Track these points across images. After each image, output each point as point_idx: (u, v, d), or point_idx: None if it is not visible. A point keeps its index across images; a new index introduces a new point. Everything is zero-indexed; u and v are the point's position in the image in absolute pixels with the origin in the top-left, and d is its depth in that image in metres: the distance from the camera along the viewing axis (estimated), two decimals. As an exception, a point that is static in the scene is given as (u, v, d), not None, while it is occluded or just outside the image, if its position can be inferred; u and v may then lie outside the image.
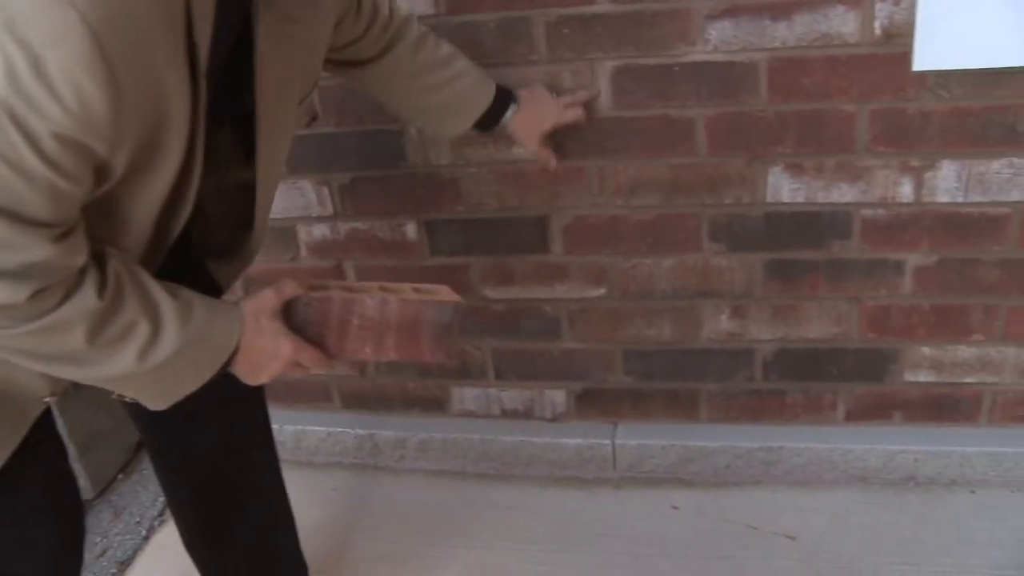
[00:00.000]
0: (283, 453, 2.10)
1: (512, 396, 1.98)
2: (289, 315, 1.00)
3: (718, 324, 1.78)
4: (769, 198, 1.64)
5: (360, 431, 2.05)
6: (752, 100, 1.56)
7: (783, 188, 1.62)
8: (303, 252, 1.92)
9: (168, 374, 0.91)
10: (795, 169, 1.60)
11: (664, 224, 1.71)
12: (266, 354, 0.97)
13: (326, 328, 1.01)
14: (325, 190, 1.83)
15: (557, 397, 1.95)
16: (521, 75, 1.62)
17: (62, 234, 0.78)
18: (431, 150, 1.74)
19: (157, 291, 0.88)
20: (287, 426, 2.09)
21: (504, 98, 1.48)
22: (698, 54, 1.54)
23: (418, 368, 1.99)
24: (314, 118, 1.75)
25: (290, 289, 1.00)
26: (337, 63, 1.32)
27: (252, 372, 0.99)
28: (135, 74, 0.73)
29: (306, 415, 2.11)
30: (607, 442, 1.90)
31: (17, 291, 0.77)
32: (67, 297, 0.81)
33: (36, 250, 0.76)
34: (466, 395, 2.00)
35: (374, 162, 1.78)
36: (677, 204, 1.68)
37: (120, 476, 2.15)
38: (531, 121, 1.52)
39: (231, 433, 1.36)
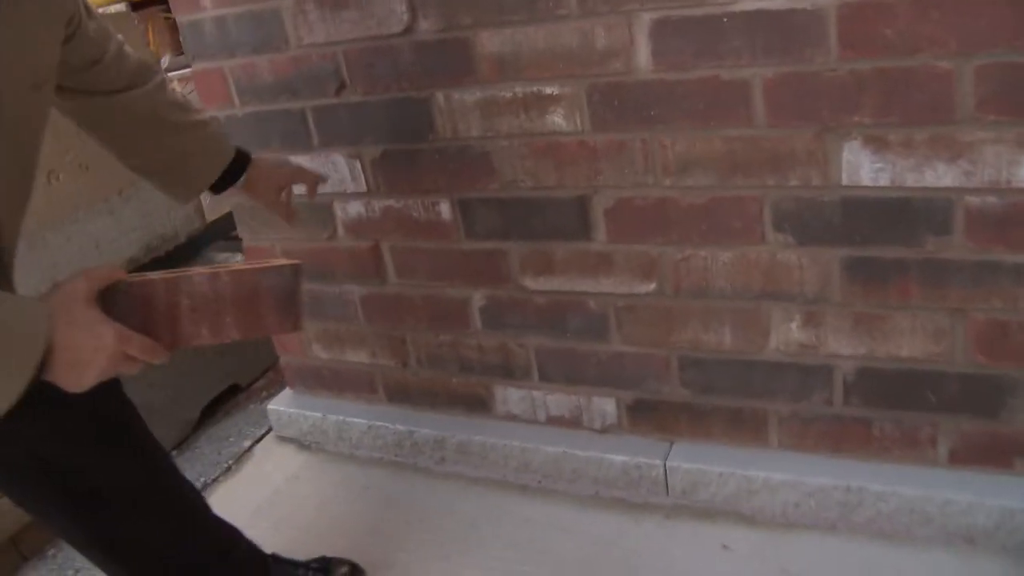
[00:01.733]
0: (327, 443, 2.01)
1: (558, 401, 1.76)
2: (108, 305, 0.85)
3: (788, 333, 1.48)
4: (845, 180, 1.32)
5: (400, 427, 1.90)
6: (820, 57, 1.26)
7: (862, 168, 1.30)
8: (340, 231, 1.80)
9: None
10: (877, 144, 1.28)
11: (720, 209, 1.43)
12: (87, 348, 0.83)
13: (153, 313, 0.86)
14: (357, 164, 1.70)
15: (607, 406, 1.71)
16: (551, 32, 1.41)
17: None
18: (460, 119, 1.56)
19: None
20: (330, 416, 1.98)
21: (241, 152, 1.40)
22: (751, 2, 1.27)
23: (460, 363, 1.82)
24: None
25: (101, 274, 0.86)
26: (83, 91, 1.20)
27: (76, 373, 0.83)
28: None
29: (350, 405, 1.99)
30: (658, 462, 1.64)
31: None
32: None
33: None
34: (510, 396, 1.80)
35: (404, 134, 1.63)
36: (734, 185, 1.40)
37: (174, 452, 2.13)
38: (270, 172, 1.44)
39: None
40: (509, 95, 1.50)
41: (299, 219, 1.54)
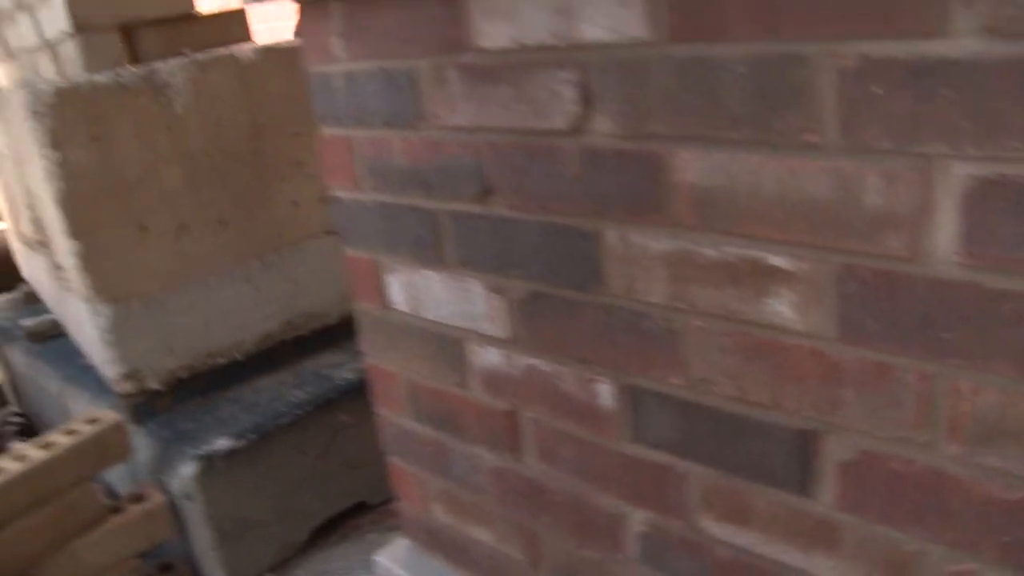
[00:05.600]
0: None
1: None
2: None
3: None
4: None
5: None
6: None
7: None
8: (472, 380, 1.32)
9: None
10: None
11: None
12: None
13: None
14: (500, 302, 1.22)
15: None
16: (788, 169, 0.84)
17: None
18: (639, 273, 1.03)
19: None
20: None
21: None
22: None
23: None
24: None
25: None
26: None
27: None
28: None
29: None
30: None
31: None
32: None
33: None
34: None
35: (561, 275, 1.12)
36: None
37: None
38: None
39: None
40: (713, 254, 0.95)
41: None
